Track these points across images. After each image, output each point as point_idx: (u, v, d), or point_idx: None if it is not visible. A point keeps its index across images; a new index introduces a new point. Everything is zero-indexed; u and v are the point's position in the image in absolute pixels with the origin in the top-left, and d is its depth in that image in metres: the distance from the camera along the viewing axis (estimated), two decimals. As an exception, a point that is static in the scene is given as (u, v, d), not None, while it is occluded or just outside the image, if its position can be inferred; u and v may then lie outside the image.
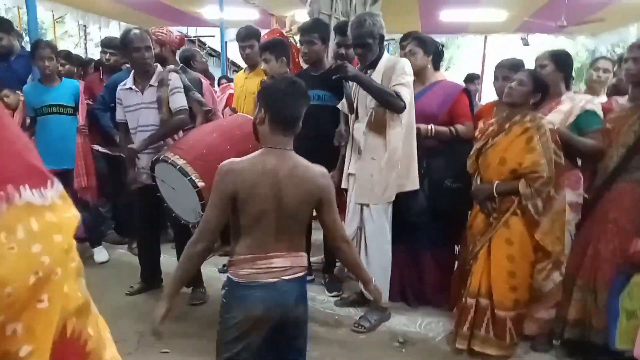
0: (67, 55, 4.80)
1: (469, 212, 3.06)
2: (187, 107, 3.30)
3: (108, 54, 4.52)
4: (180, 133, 3.31)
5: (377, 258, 3.13)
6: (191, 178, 2.74)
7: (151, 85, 3.27)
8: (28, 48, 4.72)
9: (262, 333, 1.90)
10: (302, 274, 1.94)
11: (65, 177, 3.90)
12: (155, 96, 3.25)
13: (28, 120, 4.13)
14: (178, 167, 2.76)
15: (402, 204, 3.14)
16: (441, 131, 3.30)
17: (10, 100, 4.31)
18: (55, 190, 0.63)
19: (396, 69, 3.01)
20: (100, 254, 4.22)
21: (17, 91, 4.35)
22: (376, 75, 3.05)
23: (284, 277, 1.90)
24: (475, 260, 2.82)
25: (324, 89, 3.44)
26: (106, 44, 4.61)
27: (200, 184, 2.75)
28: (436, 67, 3.56)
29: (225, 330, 1.91)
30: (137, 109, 3.31)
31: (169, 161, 2.81)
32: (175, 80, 3.29)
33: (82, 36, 9.25)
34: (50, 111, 4.01)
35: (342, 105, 3.33)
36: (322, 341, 2.96)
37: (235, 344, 1.89)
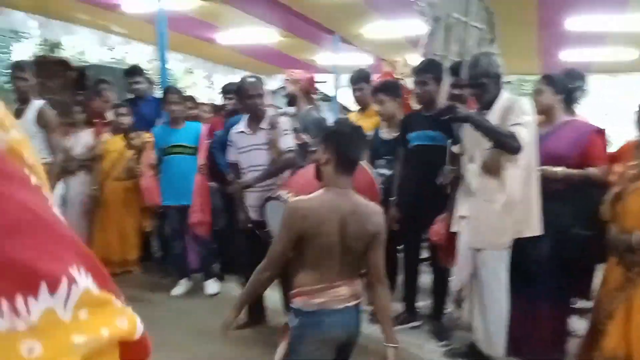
0: (193, 100, 5.21)
1: (595, 264, 2.75)
2: (294, 148, 3.46)
3: (227, 99, 4.81)
4: (287, 173, 3.46)
5: (492, 308, 2.91)
6: None
7: (262, 128, 3.45)
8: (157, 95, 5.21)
9: (332, 355, 2.10)
10: (359, 300, 2.15)
11: (183, 212, 4.23)
12: (266, 138, 3.44)
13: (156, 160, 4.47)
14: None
15: (520, 250, 2.91)
16: (571, 174, 3.05)
17: (135, 142, 4.73)
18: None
19: (514, 109, 2.87)
20: (212, 285, 4.36)
21: (145, 133, 4.79)
22: (492, 116, 2.92)
23: (348, 304, 2.10)
24: (612, 319, 2.51)
25: (436, 130, 3.39)
26: (226, 90, 4.91)
27: None
28: (568, 107, 3.35)
29: (299, 350, 2.09)
30: (250, 150, 3.50)
31: (281, 199, 2.92)
32: (284, 123, 3.48)
33: (209, 85, 10.03)
34: (174, 151, 4.32)
35: (458, 147, 3.21)
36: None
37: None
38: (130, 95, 5.51)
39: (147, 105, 5.22)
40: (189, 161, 4.31)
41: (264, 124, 3.46)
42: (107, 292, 0.49)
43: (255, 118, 3.49)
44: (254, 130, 3.49)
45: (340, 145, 2.14)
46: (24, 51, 7.25)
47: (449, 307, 3.62)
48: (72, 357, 0.42)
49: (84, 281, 0.46)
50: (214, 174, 4.46)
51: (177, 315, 3.83)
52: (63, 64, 6.24)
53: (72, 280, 0.45)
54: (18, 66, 3.80)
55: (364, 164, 3.38)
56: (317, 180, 2.26)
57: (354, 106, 4.50)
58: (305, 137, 3.84)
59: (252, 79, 3.52)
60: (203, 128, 4.49)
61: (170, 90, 4.40)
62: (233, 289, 4.20)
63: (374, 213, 2.18)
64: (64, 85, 5.82)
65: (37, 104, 3.85)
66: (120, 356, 0.53)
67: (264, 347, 3.20)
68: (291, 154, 3.44)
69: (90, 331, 0.45)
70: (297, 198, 2.22)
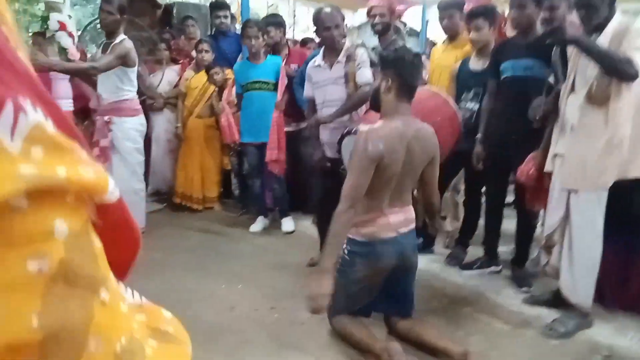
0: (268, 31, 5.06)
1: None
2: (372, 82, 3.24)
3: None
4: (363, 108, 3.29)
5: (582, 255, 2.63)
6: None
7: (339, 62, 3.31)
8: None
9: (381, 280, 2.27)
10: (414, 225, 2.26)
11: (261, 149, 4.19)
12: (343, 72, 3.29)
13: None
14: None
15: (621, 192, 2.58)
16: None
17: (218, 77, 4.71)
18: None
19: (630, 32, 2.47)
20: (288, 224, 4.35)
21: (226, 69, 4.76)
22: (603, 40, 2.54)
23: (400, 231, 2.23)
24: None
25: (533, 58, 3.04)
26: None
27: None
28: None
29: (349, 283, 2.32)
30: (325, 84, 3.37)
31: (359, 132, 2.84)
32: (362, 55, 3.29)
33: (292, 20, 9.88)
34: (254, 87, 4.24)
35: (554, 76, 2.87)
36: (504, 341, 2.57)
37: (360, 293, 2.35)
38: (212, 32, 5.49)
39: (229, 40, 5.18)
40: (268, 97, 4.23)
41: (340, 57, 3.31)
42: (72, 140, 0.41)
43: (332, 51, 3.33)
44: (330, 64, 3.35)
45: (401, 72, 2.24)
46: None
47: (533, 253, 3.37)
48: (15, 183, 0.35)
49: (36, 115, 0.38)
50: (292, 110, 4.38)
51: (256, 251, 3.86)
52: (150, 1, 6.31)
53: (19, 108, 0.36)
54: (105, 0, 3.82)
55: (446, 96, 3.14)
56: (374, 110, 2.40)
57: (441, 38, 4.15)
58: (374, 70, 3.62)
59: (328, 10, 3.32)
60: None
61: (248, 23, 4.26)
62: (308, 227, 4.17)
63: (432, 135, 2.34)
64: (151, 23, 5.90)
65: (121, 38, 3.88)
66: (104, 230, 0.45)
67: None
68: (368, 87, 3.23)
69: (43, 166, 0.37)
70: (369, 127, 2.21)
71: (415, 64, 2.27)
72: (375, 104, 2.36)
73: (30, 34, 5.88)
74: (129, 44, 3.85)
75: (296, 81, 4.36)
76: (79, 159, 0.41)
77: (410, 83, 2.26)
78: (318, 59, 3.41)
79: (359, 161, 2.13)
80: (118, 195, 0.46)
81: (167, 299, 2.63)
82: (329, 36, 3.28)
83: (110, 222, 0.47)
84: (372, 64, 3.38)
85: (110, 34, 3.86)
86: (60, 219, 0.39)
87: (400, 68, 2.25)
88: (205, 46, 4.83)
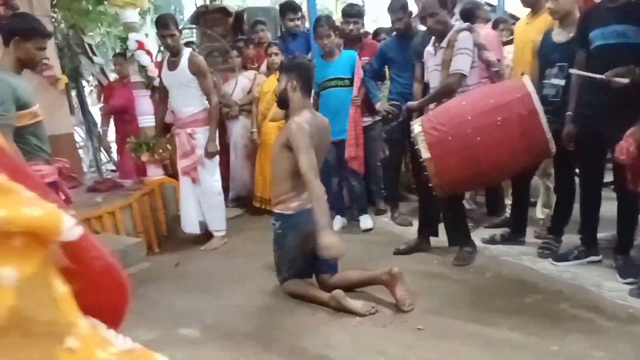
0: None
1: None
2: (462, 71, 3.18)
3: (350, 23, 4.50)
4: None
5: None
6: (418, 148, 2.83)
7: (442, 47, 3.28)
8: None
9: (313, 244, 2.60)
10: None
11: (340, 147, 4.14)
12: (442, 58, 3.28)
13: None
14: (413, 135, 2.88)
15: None
16: None
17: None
18: None
19: None
20: (366, 221, 4.26)
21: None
22: None
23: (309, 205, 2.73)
24: None
25: (626, 23, 2.70)
26: (349, 13, 4.56)
27: (425, 154, 2.80)
28: None
29: (286, 252, 2.93)
30: (432, 70, 3.40)
31: (411, 127, 2.95)
32: (462, 40, 3.19)
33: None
34: (330, 85, 4.20)
35: None
36: (608, 340, 2.30)
37: (298, 259, 2.92)
38: (281, 34, 5.51)
39: (298, 41, 5.17)
40: (343, 94, 4.17)
41: (443, 43, 3.27)
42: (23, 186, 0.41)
43: (438, 36, 3.32)
44: (435, 50, 3.35)
45: (302, 74, 2.89)
46: (191, 5, 7.71)
47: (638, 239, 3.02)
48: None
49: None
50: (368, 105, 4.29)
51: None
52: (222, 10, 6.48)
53: None
54: (162, 23, 3.93)
55: (525, 79, 2.90)
56: (280, 108, 3.02)
57: (525, 12, 3.85)
58: (488, 55, 3.37)
59: None
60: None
61: (319, 22, 4.21)
62: (386, 223, 4.05)
63: (328, 127, 3.02)
64: (224, 32, 6.05)
65: (187, 52, 4.00)
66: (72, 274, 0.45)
67: (425, 277, 3.04)
68: (455, 77, 3.16)
69: None
70: (302, 118, 2.78)
71: (311, 67, 2.96)
72: (283, 103, 2.92)
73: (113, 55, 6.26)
74: (200, 57, 4.04)
75: (367, 74, 4.26)
76: (23, 200, 0.39)
77: (310, 82, 2.93)
78: (430, 44, 3.42)
79: (305, 142, 2.69)
80: (79, 232, 0.43)
81: (249, 306, 2.67)
82: (425, 25, 3.38)
83: (83, 264, 0.45)
84: (480, 48, 3.30)
85: (176, 52, 4.01)
86: (7, 265, 0.37)
87: (301, 71, 2.89)
88: (274, 49, 4.85)
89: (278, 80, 2.99)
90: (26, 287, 0.37)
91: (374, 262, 3.42)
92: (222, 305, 3.00)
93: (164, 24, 3.91)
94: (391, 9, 4.19)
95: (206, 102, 4.08)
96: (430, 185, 3.01)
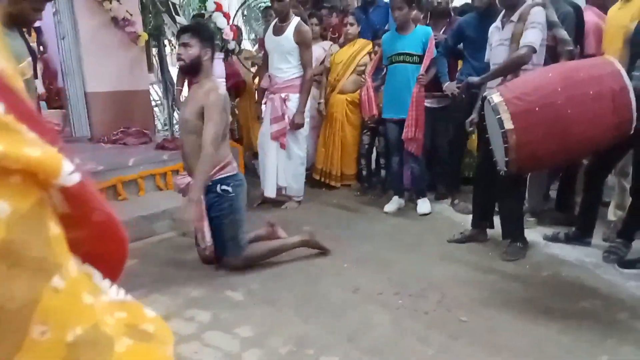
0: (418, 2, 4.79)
1: None
2: (533, 45, 3.03)
3: None
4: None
5: None
6: (500, 117, 2.54)
7: (511, 21, 3.15)
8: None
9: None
10: None
11: (402, 126, 4.02)
12: (510, 32, 3.14)
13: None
14: (492, 104, 2.60)
15: None
16: None
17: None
18: None
19: None
20: (424, 205, 4.14)
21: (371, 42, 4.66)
22: None
23: None
24: None
25: None
26: None
27: (508, 125, 2.53)
28: None
29: (240, 214, 3.02)
30: (497, 45, 3.28)
31: (488, 98, 2.68)
32: (535, 14, 3.06)
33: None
34: (398, 60, 4.06)
35: None
36: (632, 338, 2.17)
37: (244, 219, 3.08)
38: (361, 3, 5.39)
39: (378, 11, 5.06)
40: (412, 71, 4.01)
41: (514, 17, 3.13)
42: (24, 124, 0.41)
43: (509, 10, 3.18)
44: (503, 24, 3.22)
45: (213, 42, 3.05)
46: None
47: None
48: None
49: None
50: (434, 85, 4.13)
51: (388, 232, 3.75)
52: (304, -22, 6.41)
53: None
54: None
55: (617, 63, 2.67)
56: (188, 75, 3.28)
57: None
58: (562, 32, 3.24)
59: None
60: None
61: (394, -8, 4.09)
62: (444, 209, 3.94)
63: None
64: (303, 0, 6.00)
65: (295, 20, 4.09)
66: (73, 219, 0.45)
67: (470, 267, 2.95)
68: (526, 49, 3.01)
69: None
70: (221, 90, 2.95)
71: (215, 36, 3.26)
72: (193, 69, 2.94)
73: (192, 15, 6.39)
74: (307, 27, 4.18)
75: (440, 51, 4.09)
76: (24, 139, 0.40)
77: (214, 48, 3.06)
78: (498, 20, 3.32)
79: (219, 113, 2.83)
80: (77, 179, 0.44)
81: (296, 276, 2.69)
82: None
83: (82, 212, 0.46)
84: (553, 25, 3.20)
85: (283, 17, 4.12)
86: (1, 199, 0.38)
87: (213, 41, 3.06)
88: (350, 19, 4.78)
89: (188, 45, 2.91)
90: (18, 223, 0.38)
91: (427, 248, 3.37)
92: (268, 272, 3.04)
93: None
94: None
95: (300, 70, 4.19)
96: (493, 170, 2.88)
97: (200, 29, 3.00)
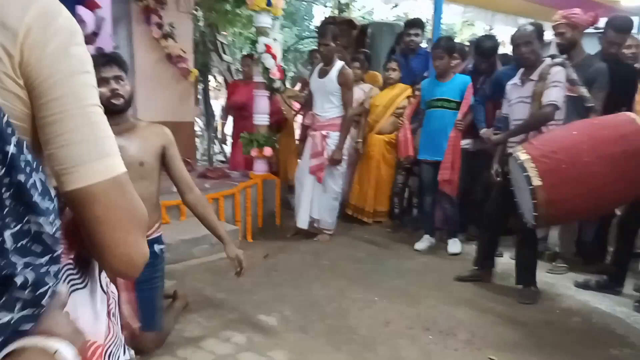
0: (461, 51, 4.97)
1: None
2: (556, 103, 3.12)
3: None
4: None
5: None
6: (528, 175, 2.69)
7: (531, 79, 3.25)
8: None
9: None
10: None
11: (436, 167, 4.18)
12: (532, 90, 3.22)
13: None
14: (519, 161, 2.75)
15: None
16: None
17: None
18: None
19: None
20: (454, 245, 4.23)
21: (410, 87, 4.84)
22: None
23: None
24: None
25: None
26: None
27: (537, 182, 2.66)
28: None
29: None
30: (516, 102, 3.35)
31: (514, 155, 2.82)
32: (555, 74, 3.16)
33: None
34: (436, 105, 4.23)
35: None
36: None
37: None
38: (401, 50, 5.58)
39: (417, 59, 5.23)
40: (449, 116, 4.19)
41: (534, 75, 3.23)
42: None
43: (528, 68, 3.29)
44: (523, 82, 3.32)
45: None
46: (319, 14, 8.04)
47: None
48: None
49: None
50: (471, 131, 4.26)
51: (419, 269, 3.82)
52: (348, 22, 6.70)
53: None
54: (320, 32, 4.31)
55: (630, 114, 2.76)
56: (121, 112, 2.24)
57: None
58: (582, 90, 3.35)
59: (525, 27, 3.33)
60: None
61: (436, 44, 4.30)
62: (475, 249, 3.98)
63: None
64: (347, 44, 6.24)
65: (339, 64, 4.35)
66: None
67: (492, 315, 2.99)
68: (549, 108, 3.11)
69: None
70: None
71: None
72: (128, 107, 2.29)
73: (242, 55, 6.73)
74: (349, 70, 4.43)
75: (476, 99, 4.24)
76: None
77: None
78: (516, 77, 3.41)
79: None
80: None
81: (328, 306, 2.82)
82: (518, 53, 3.31)
83: None
84: (574, 83, 3.31)
85: (328, 61, 4.39)
86: None
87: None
88: (393, 65, 4.97)
89: (121, 79, 2.19)
90: None
91: (457, 287, 3.42)
92: (302, 300, 3.14)
93: (322, 33, 4.36)
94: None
95: (341, 110, 4.43)
96: (505, 217, 2.96)
97: (124, 62, 2.28)
